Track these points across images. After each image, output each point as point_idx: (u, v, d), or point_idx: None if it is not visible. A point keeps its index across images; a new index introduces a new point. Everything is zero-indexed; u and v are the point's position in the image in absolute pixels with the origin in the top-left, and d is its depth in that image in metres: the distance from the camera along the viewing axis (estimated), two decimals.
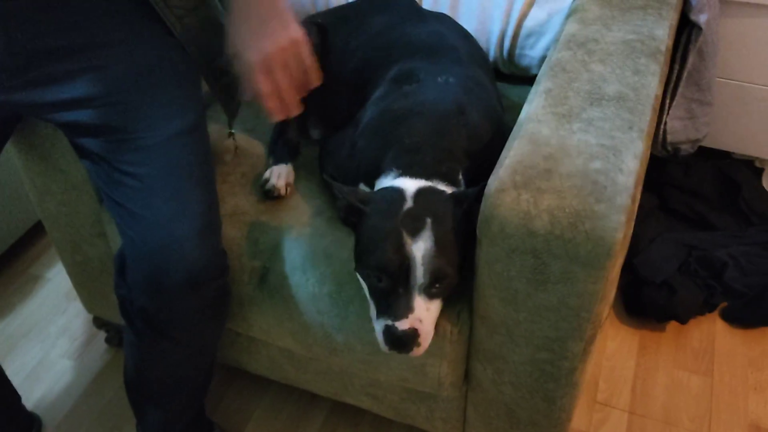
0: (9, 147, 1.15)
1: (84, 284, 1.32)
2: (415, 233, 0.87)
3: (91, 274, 1.28)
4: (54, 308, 1.58)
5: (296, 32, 0.84)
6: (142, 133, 0.91)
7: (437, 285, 0.88)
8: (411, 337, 0.87)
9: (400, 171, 0.95)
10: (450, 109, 0.99)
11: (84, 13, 0.88)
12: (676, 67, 1.35)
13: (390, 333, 0.87)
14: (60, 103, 0.91)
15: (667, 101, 1.42)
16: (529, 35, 1.29)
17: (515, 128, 0.95)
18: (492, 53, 1.34)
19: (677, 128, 1.50)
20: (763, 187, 1.72)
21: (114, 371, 1.44)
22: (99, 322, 1.46)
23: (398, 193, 0.92)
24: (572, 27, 1.12)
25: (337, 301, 1.01)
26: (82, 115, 0.91)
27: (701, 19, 1.25)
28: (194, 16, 0.96)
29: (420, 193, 0.92)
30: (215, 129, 1.19)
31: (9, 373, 1.25)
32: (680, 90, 1.40)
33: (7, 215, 1.59)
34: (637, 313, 1.52)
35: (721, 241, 1.55)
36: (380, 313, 0.89)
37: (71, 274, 1.32)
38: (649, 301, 1.48)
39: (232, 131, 1.12)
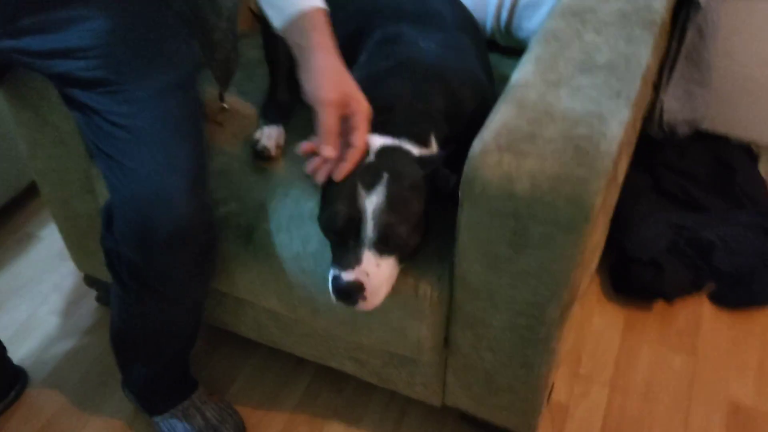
0: (2, 101, 1.15)
1: (74, 241, 1.33)
2: (369, 187, 0.89)
3: (81, 231, 1.29)
4: (46, 266, 1.59)
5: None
6: (132, 86, 0.92)
7: (388, 242, 0.89)
8: (354, 289, 0.89)
9: (371, 129, 0.95)
10: (429, 72, 1.00)
11: None
12: (674, 44, 1.34)
13: (336, 282, 0.90)
14: (50, 52, 0.91)
15: (664, 79, 1.41)
16: (526, 6, 1.28)
17: (503, 93, 0.95)
18: (489, 25, 1.33)
19: (674, 108, 1.49)
20: (758, 172, 1.72)
21: (103, 329, 1.45)
22: (90, 280, 1.47)
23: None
24: None
25: (320, 261, 1.02)
26: (72, 66, 0.92)
27: None
28: None
29: (384, 150, 0.93)
30: (209, 91, 1.19)
31: None
32: (678, 69, 1.39)
33: (2, 173, 1.60)
34: (624, 291, 1.53)
35: (711, 223, 1.55)
36: (332, 263, 0.92)
37: (62, 230, 1.33)
38: (635, 279, 1.48)
39: (225, 105, 1.12)
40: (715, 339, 1.44)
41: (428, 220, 0.96)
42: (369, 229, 0.89)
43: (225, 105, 1.10)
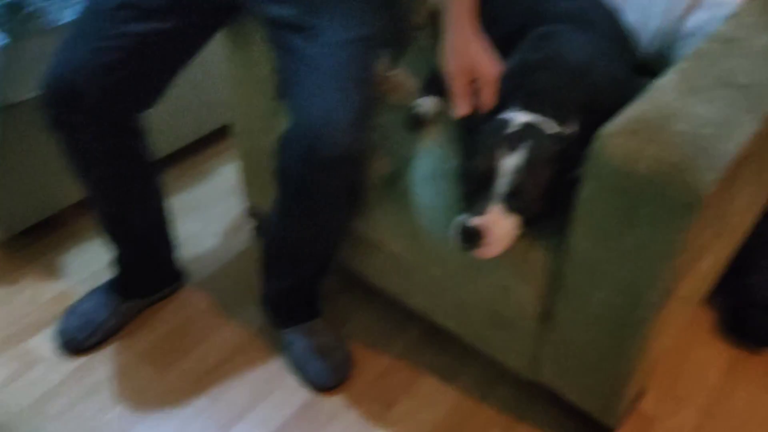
0: (222, 41, 1.41)
1: (249, 171, 1.57)
2: (510, 149, 1.03)
3: (256, 163, 1.52)
4: (221, 195, 1.87)
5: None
6: (326, 33, 1.13)
7: (516, 199, 1.02)
8: (476, 233, 1.03)
9: (518, 107, 1.10)
10: (575, 66, 1.13)
11: None
12: None
13: (461, 226, 1.04)
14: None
15: None
16: (685, 36, 1.36)
17: (641, 95, 1.06)
18: (647, 47, 1.42)
19: None
20: None
21: (252, 256, 1.67)
22: (251, 211, 1.71)
23: (509, 120, 1.08)
24: (724, 26, 1.20)
25: (447, 215, 1.16)
26: (284, 12, 1.15)
27: None
28: None
29: (528, 124, 1.07)
30: (383, 61, 1.39)
31: None
32: None
33: (200, 115, 1.90)
34: (737, 333, 1.53)
35: None
36: (464, 210, 1.06)
37: (242, 159, 1.57)
38: (751, 322, 1.49)
39: (392, 74, 1.32)
40: None
41: (554, 196, 1.08)
42: (503, 184, 1.03)
43: (393, 74, 1.29)
